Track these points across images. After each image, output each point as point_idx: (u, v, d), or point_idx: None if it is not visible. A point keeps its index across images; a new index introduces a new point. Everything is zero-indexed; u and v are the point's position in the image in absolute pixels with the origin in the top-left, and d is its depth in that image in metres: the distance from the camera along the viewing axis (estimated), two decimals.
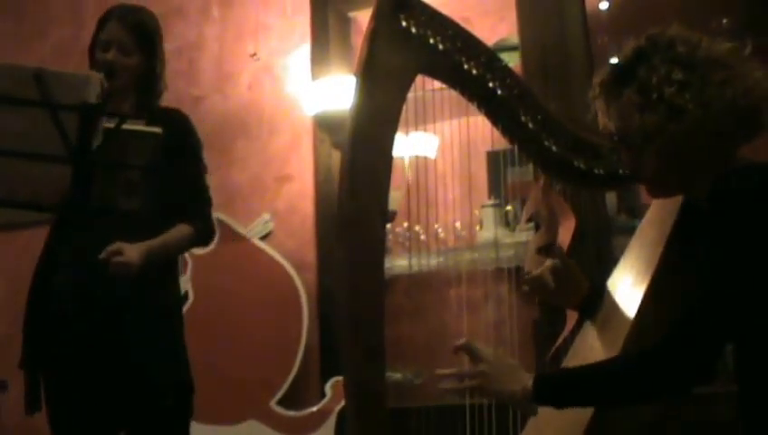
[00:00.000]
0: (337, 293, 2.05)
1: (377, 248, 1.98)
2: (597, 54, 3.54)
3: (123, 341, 2.46)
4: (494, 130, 2.40)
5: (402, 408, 3.40)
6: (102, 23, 2.59)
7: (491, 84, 2.09)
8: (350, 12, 4.16)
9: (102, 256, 2.40)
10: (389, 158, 2.00)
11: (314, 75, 4.02)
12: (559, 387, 1.74)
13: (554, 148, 2.10)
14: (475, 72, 2.08)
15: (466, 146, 2.65)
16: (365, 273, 1.95)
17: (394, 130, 2.01)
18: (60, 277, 2.51)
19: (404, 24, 2.04)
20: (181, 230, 2.58)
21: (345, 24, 4.16)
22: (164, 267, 2.60)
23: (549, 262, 2.09)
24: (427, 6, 2.07)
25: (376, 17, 2.03)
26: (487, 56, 2.10)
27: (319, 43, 4.10)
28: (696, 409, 1.90)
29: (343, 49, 4.12)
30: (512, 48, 3.60)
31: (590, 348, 2.00)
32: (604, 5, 3.98)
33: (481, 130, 2.46)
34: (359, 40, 4.17)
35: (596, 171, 2.10)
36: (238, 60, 4.27)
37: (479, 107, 2.11)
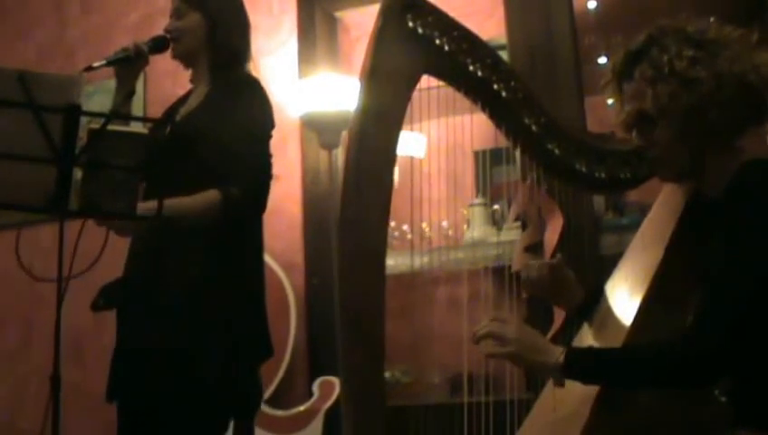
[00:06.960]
0: (338, 291, 2.03)
1: (379, 248, 1.99)
2: (584, 54, 3.55)
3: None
4: (481, 129, 2.40)
5: (398, 406, 3.40)
6: None
7: (496, 86, 2.08)
8: (336, 11, 4.16)
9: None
10: (393, 157, 2.00)
11: (301, 75, 4.02)
12: (590, 361, 1.75)
13: (557, 151, 2.10)
14: (480, 73, 2.07)
15: (453, 145, 2.65)
16: (367, 272, 1.96)
17: (398, 130, 2.00)
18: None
19: (411, 24, 2.03)
20: (205, 195, 2.37)
21: (331, 23, 4.16)
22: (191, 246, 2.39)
23: (551, 259, 2.11)
24: (433, 7, 2.06)
25: (383, 16, 2.02)
26: (493, 58, 2.10)
27: (305, 42, 4.10)
28: (684, 409, 1.89)
29: (330, 48, 4.12)
30: (499, 47, 3.61)
31: None
32: (592, 5, 4.00)
33: (468, 130, 2.46)
34: (345, 39, 4.18)
35: (597, 175, 2.10)
36: None
37: (483, 109, 2.11)
